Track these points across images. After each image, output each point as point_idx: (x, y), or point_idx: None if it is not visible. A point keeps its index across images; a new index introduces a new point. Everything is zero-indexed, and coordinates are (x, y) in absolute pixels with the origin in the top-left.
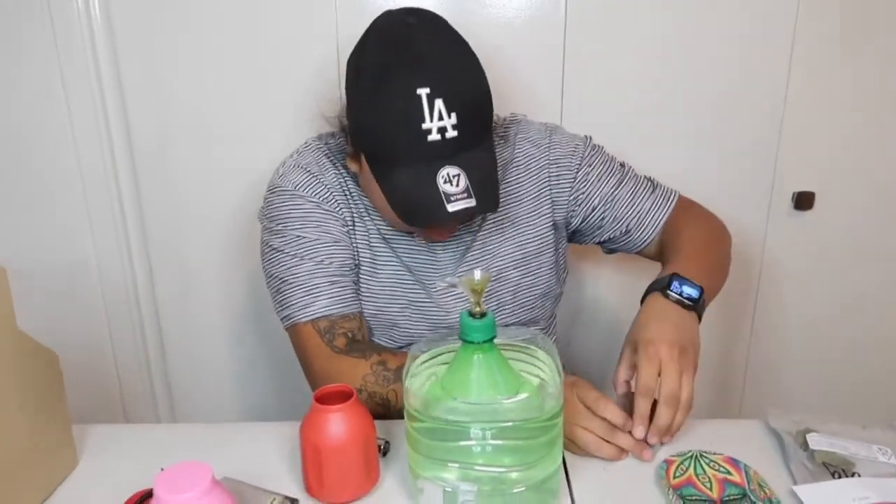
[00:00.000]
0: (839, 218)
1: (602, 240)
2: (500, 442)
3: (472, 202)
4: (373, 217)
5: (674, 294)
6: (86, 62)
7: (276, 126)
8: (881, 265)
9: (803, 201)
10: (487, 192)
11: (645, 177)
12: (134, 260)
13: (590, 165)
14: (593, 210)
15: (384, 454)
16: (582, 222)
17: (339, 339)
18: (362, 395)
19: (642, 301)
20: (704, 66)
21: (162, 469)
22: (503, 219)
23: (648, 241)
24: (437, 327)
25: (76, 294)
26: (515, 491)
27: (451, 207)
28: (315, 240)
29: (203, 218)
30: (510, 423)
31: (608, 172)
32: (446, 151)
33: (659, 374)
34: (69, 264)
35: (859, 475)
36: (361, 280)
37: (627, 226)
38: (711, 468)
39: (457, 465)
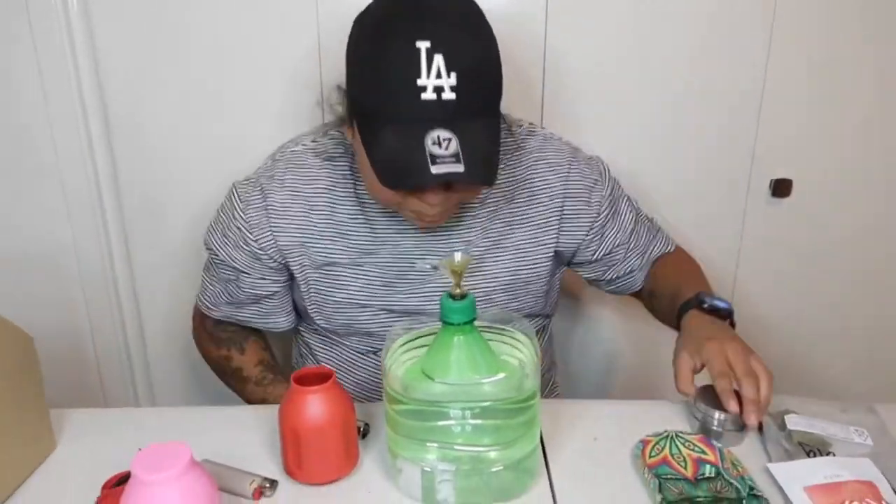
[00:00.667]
0: (817, 205)
1: (605, 278)
2: (479, 422)
3: (459, 167)
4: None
5: (707, 306)
6: (62, 46)
7: (258, 109)
8: (859, 252)
9: (781, 189)
10: (480, 162)
11: (646, 216)
12: (112, 244)
13: (611, 207)
14: (611, 251)
15: (363, 436)
16: (593, 257)
17: (220, 332)
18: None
19: (679, 324)
20: (681, 53)
21: (140, 450)
22: (501, 241)
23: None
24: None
25: (54, 279)
26: (493, 470)
27: (435, 169)
28: (235, 268)
29: (182, 202)
30: (489, 403)
31: (627, 214)
32: (440, 114)
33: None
34: (47, 249)
35: (834, 455)
36: (328, 288)
37: (632, 267)
38: (686, 448)
39: (436, 445)
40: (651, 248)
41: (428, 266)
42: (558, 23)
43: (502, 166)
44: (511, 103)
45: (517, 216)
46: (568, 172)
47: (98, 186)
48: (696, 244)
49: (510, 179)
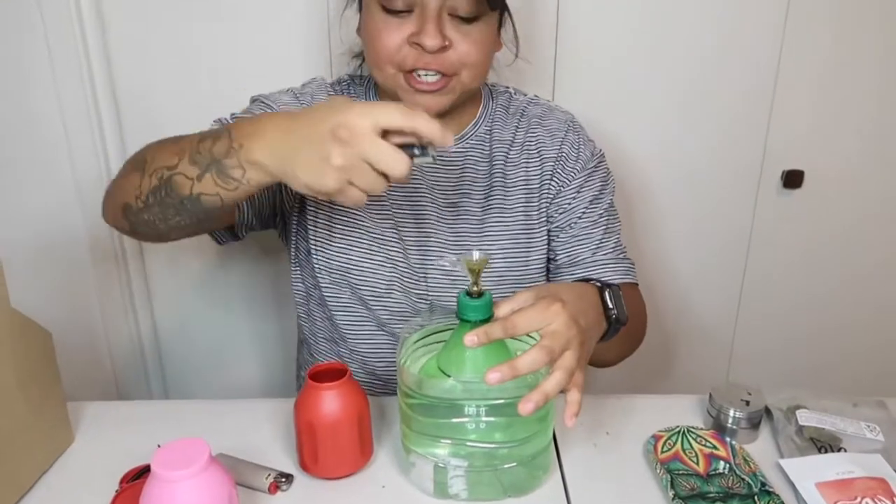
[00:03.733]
0: (828, 196)
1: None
2: (492, 419)
3: None
4: None
5: (599, 285)
6: (73, 36)
7: (267, 76)
8: (870, 243)
9: (792, 180)
10: None
11: (622, 247)
12: (124, 235)
13: (588, 180)
14: (563, 228)
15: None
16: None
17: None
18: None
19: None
20: (694, 42)
21: (159, 446)
22: (500, 201)
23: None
24: (408, 293)
25: (65, 271)
26: (506, 467)
27: None
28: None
29: None
30: (503, 401)
31: (599, 202)
32: None
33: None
34: (58, 241)
35: (846, 450)
36: (335, 226)
37: (575, 259)
38: (698, 443)
39: (449, 441)
40: (607, 257)
41: (447, 264)
42: (571, 3)
43: (503, 129)
44: (522, 83)
45: (516, 177)
46: (563, 138)
47: (110, 177)
48: (706, 233)
49: (510, 142)
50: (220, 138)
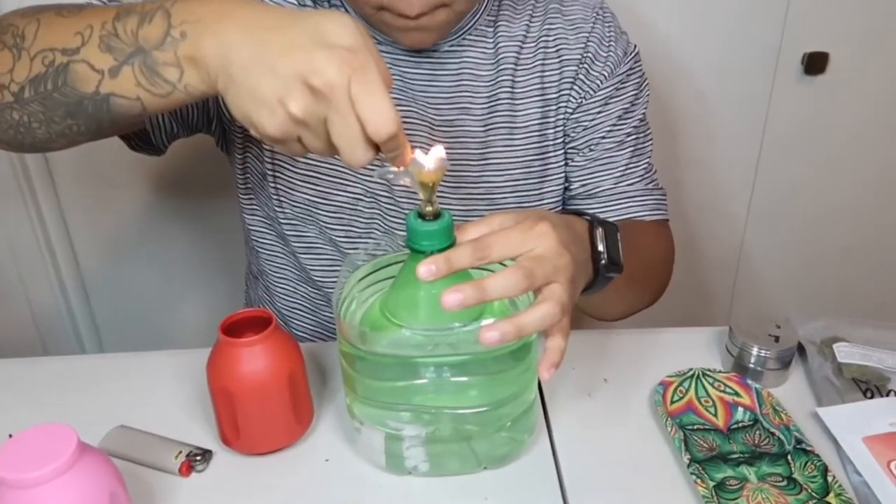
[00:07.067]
0: (856, 84)
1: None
2: (461, 379)
3: None
4: None
5: (589, 219)
6: None
7: None
8: None
9: (815, 64)
10: None
11: (653, 174)
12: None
13: (619, 89)
14: (581, 150)
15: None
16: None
17: None
18: None
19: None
20: None
21: (10, 436)
22: (507, 117)
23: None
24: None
25: None
26: (479, 432)
27: None
28: None
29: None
30: (471, 356)
31: (629, 117)
32: None
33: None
34: None
35: None
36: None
37: (593, 189)
38: (716, 389)
39: (405, 407)
40: (632, 189)
41: (376, 175)
42: None
43: (512, 20)
44: None
45: (529, 86)
46: (591, 30)
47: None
48: (718, 128)
49: (521, 38)
50: (151, 17)
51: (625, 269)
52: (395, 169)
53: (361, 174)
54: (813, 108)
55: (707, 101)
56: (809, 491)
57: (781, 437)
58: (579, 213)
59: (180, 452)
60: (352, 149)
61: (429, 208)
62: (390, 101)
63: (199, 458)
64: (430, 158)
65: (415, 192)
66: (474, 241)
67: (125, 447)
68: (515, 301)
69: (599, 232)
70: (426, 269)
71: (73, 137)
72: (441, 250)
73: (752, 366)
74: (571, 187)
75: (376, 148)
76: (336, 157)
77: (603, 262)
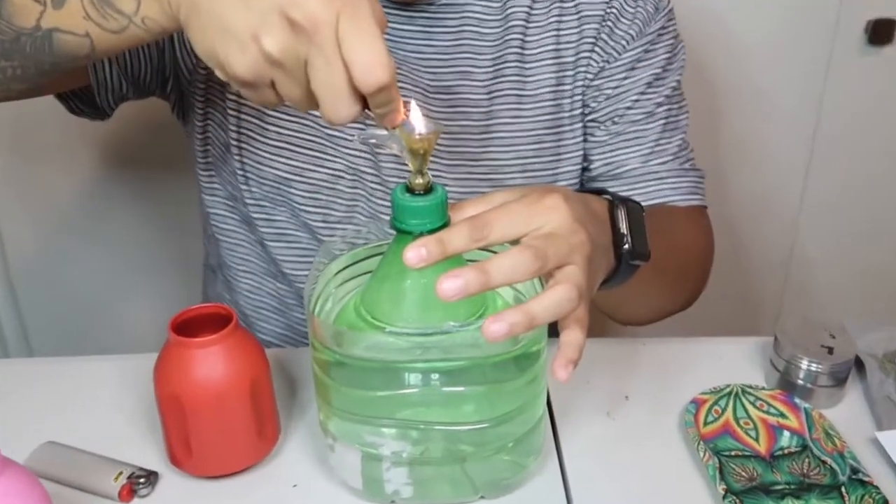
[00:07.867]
0: None
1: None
2: (454, 390)
3: None
4: None
5: (608, 197)
6: None
7: None
8: None
9: (880, 32)
10: None
11: (685, 144)
12: None
13: (648, 53)
14: (603, 123)
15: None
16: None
17: None
18: None
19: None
20: None
21: None
22: (516, 84)
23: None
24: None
25: None
26: (477, 454)
27: None
28: None
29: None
30: (467, 362)
31: (661, 84)
32: None
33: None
34: None
35: None
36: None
37: (617, 169)
38: (758, 408)
39: (389, 424)
40: (661, 169)
41: (356, 139)
42: None
43: None
44: None
45: (541, 48)
46: None
47: None
48: (766, 106)
49: None
50: None
51: (653, 259)
52: (381, 131)
53: (342, 145)
54: (878, 84)
55: (752, 75)
56: None
57: (834, 465)
58: (598, 192)
59: (120, 474)
60: (334, 98)
61: (419, 180)
62: (384, 44)
63: (142, 480)
64: (424, 121)
65: (405, 165)
66: (471, 219)
67: (55, 467)
68: (522, 292)
69: (622, 211)
70: (415, 252)
71: (6, 85)
72: (432, 231)
73: (800, 382)
74: (591, 167)
75: (363, 102)
76: (314, 111)
77: (626, 246)
